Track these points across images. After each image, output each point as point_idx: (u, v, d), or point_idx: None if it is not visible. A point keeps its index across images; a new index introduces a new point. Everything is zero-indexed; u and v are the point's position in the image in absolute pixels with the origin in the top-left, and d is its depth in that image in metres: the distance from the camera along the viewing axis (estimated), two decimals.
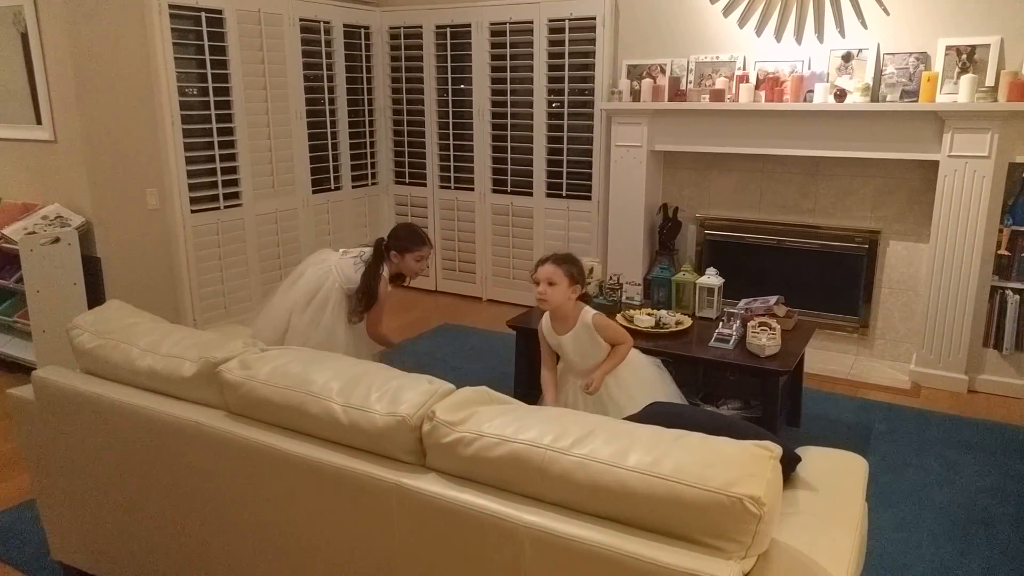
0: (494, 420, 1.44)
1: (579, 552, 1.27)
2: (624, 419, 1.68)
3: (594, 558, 1.26)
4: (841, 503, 1.53)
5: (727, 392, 3.02)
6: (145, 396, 1.84)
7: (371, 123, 5.53)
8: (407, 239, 3.07)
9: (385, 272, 3.06)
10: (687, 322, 3.19)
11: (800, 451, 1.74)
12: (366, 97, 5.45)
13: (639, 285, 3.59)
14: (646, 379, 2.67)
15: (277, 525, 1.65)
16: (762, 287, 4.29)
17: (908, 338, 4.11)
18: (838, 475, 1.64)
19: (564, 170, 4.93)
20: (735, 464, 1.23)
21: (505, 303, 5.36)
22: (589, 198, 4.86)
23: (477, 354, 4.34)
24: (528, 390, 3.36)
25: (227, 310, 4.53)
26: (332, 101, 5.14)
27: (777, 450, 1.28)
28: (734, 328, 3.07)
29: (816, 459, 1.71)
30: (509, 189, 5.19)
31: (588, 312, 2.59)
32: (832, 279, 4.29)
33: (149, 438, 1.80)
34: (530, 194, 5.09)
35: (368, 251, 3.09)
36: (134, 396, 1.84)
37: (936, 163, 3.73)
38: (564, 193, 4.96)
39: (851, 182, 4.14)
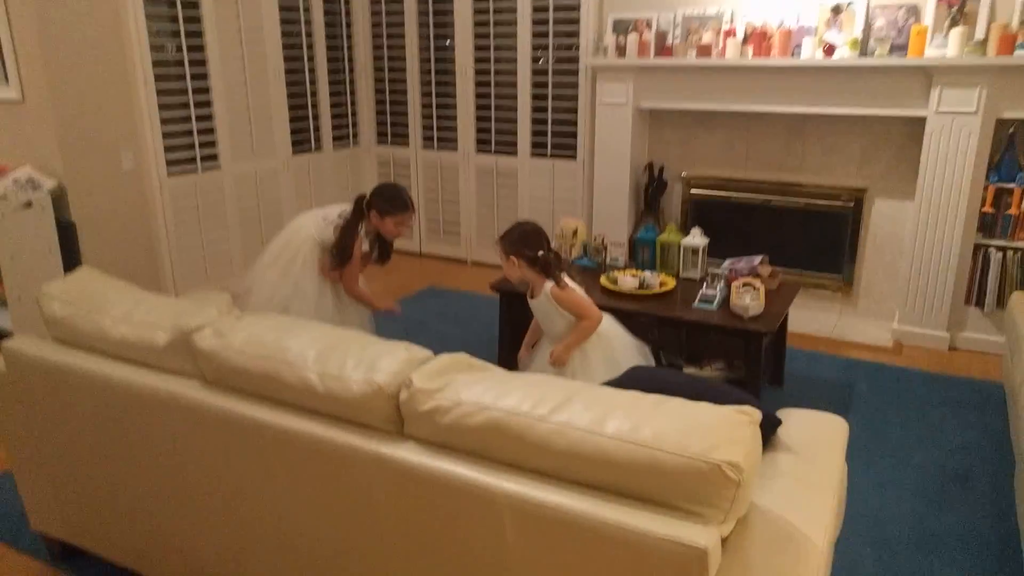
0: (472, 387, 1.42)
1: (558, 520, 1.26)
2: (604, 383, 1.66)
3: (573, 526, 1.25)
4: (820, 466, 1.53)
5: (710, 353, 3.02)
6: (118, 366, 1.81)
7: (352, 81, 5.40)
8: (390, 201, 3.00)
9: (362, 231, 3.01)
10: (671, 283, 3.17)
11: (781, 414, 1.74)
12: (346, 55, 5.32)
13: (623, 246, 3.56)
14: (617, 361, 2.54)
15: (255, 495, 1.64)
16: (747, 246, 4.28)
17: (891, 296, 4.12)
18: (818, 437, 1.64)
19: (549, 129, 4.85)
20: (714, 430, 1.22)
21: (490, 265, 5.32)
22: (574, 158, 4.80)
23: (462, 318, 4.32)
24: (513, 355, 3.35)
25: (207, 274, 4.47)
26: (311, 59, 5.01)
27: (756, 415, 1.27)
28: (718, 289, 3.05)
29: (797, 422, 1.71)
30: (493, 149, 5.11)
31: (548, 284, 2.56)
32: (817, 238, 4.28)
33: (123, 409, 1.77)
34: (515, 154, 5.02)
35: (347, 209, 3.03)
36: (106, 366, 1.81)
37: (923, 119, 3.69)
38: (549, 153, 4.89)
39: (838, 139, 4.10)
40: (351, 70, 5.38)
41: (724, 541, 1.23)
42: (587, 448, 1.27)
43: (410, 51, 5.23)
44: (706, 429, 1.22)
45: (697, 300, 3.01)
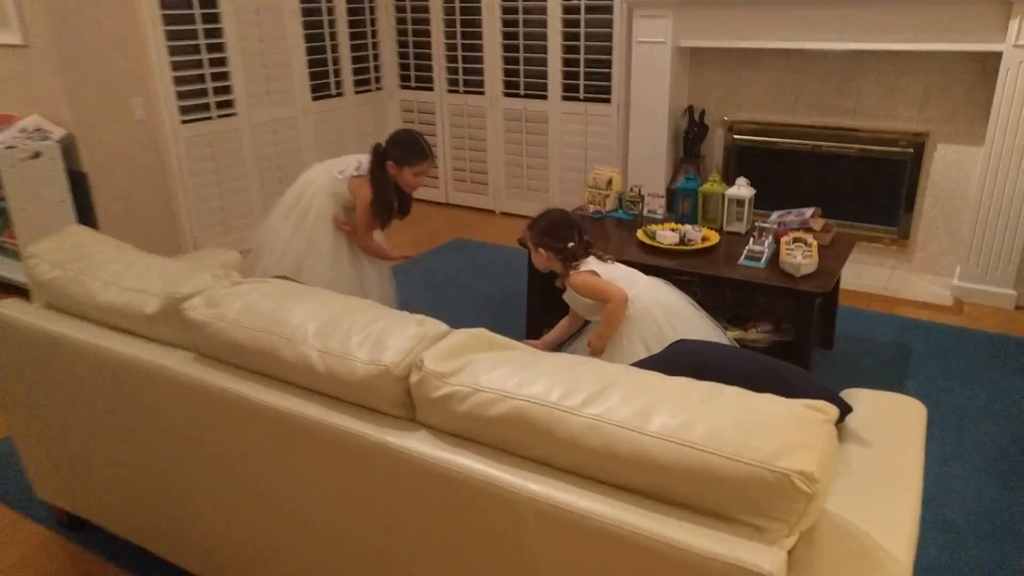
0: (492, 371, 1.23)
1: (589, 527, 1.08)
2: (641, 362, 1.46)
3: (606, 535, 1.06)
4: (899, 462, 1.31)
5: (756, 314, 2.78)
6: (107, 335, 1.65)
7: (373, 22, 5.12)
8: (407, 149, 2.77)
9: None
10: (714, 238, 2.92)
11: (848, 395, 1.52)
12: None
13: (662, 197, 3.30)
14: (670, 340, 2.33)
15: (250, 477, 1.48)
16: (794, 197, 3.99)
17: (951, 250, 3.82)
18: (894, 426, 1.42)
19: (581, 70, 4.54)
20: (781, 430, 1.01)
21: (520, 216, 5.09)
22: (608, 101, 4.50)
23: (490, 271, 4.13)
24: (542, 320, 3.16)
25: (226, 226, 4.32)
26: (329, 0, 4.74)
27: (832, 412, 1.05)
28: (766, 244, 2.80)
29: (868, 405, 1.49)
30: (522, 92, 4.82)
31: (571, 274, 2.34)
32: (871, 187, 3.96)
33: (113, 381, 1.62)
34: (545, 97, 4.73)
35: (363, 160, 2.81)
36: (95, 335, 1.65)
37: (998, 55, 3.32)
38: (582, 96, 4.60)
39: (898, 79, 3.74)
40: (372, 11, 5.09)
41: (788, 556, 1.04)
42: (626, 447, 1.07)
43: None
44: (771, 429, 1.01)
45: (743, 257, 2.76)
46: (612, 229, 3.26)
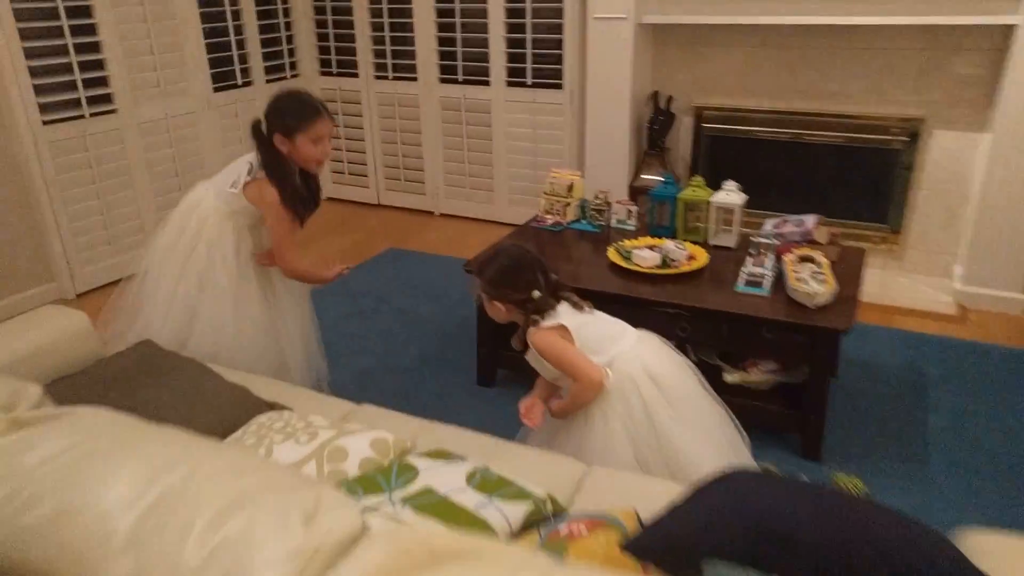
0: None
1: None
2: (675, 512, 0.93)
3: None
4: None
5: (755, 349, 2.29)
6: None
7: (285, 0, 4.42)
8: (291, 112, 2.04)
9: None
10: (702, 257, 2.41)
11: (966, 542, 1.02)
12: None
13: (633, 206, 2.77)
14: (657, 422, 1.69)
15: None
16: (772, 192, 3.53)
17: (948, 249, 3.41)
18: None
19: (528, 52, 3.96)
20: None
21: (462, 218, 4.51)
22: (560, 86, 3.93)
23: (433, 289, 3.54)
24: (495, 359, 2.61)
25: (112, 245, 3.61)
26: None
27: None
28: (767, 265, 2.30)
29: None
30: (461, 78, 4.22)
31: (532, 330, 1.76)
32: (858, 180, 3.52)
33: None
34: (487, 83, 4.13)
35: (254, 158, 2.13)
36: None
37: (1011, 28, 2.89)
38: (529, 81, 4.02)
39: (891, 57, 3.29)
40: None
41: None
42: None
43: None
44: None
45: (741, 282, 2.26)
46: (575, 245, 2.72)
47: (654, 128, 3.69)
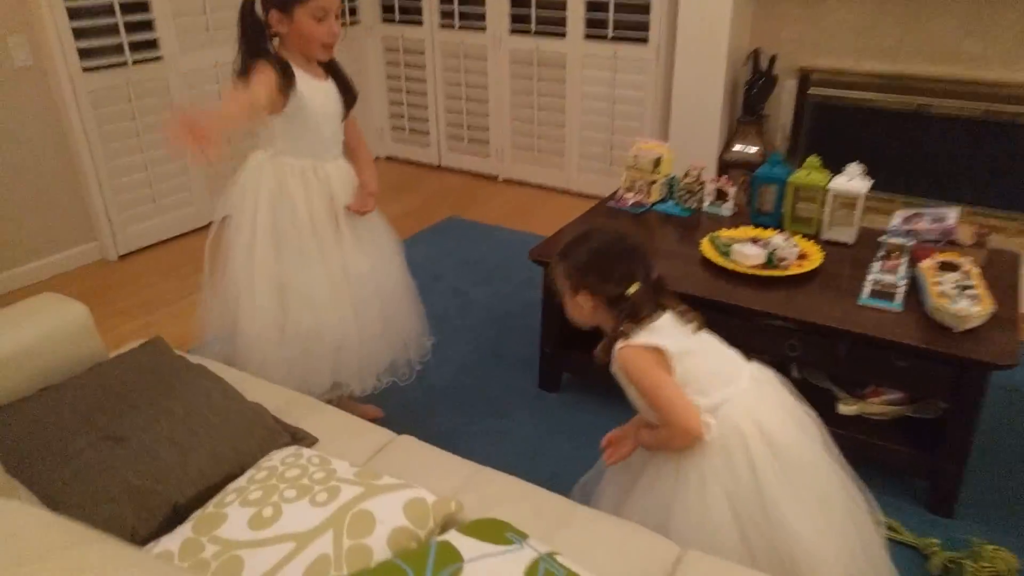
0: None
1: None
2: None
3: None
4: None
5: (879, 376, 1.88)
6: None
7: None
8: None
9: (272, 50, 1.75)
10: (816, 256, 2.01)
11: None
12: None
13: (731, 188, 2.36)
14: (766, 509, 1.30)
15: None
16: (889, 173, 3.04)
17: None
18: None
19: (611, 0, 3.52)
20: None
21: (528, 185, 4.14)
22: (646, 41, 3.48)
23: (494, 268, 3.21)
24: (558, 367, 2.28)
25: (156, 204, 3.39)
26: None
27: None
28: (901, 271, 1.88)
29: None
30: (534, 29, 3.80)
31: (620, 344, 1.37)
32: (996, 160, 3.00)
33: None
34: (563, 35, 3.71)
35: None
36: None
37: None
38: (610, 34, 3.58)
39: None
40: None
41: None
42: None
43: None
44: None
45: (866, 293, 1.85)
46: (660, 232, 2.34)
47: (752, 92, 3.22)
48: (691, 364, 1.33)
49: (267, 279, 1.83)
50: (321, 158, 1.83)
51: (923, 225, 2.06)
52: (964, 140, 3.01)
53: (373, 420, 2.19)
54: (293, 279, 1.83)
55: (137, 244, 3.37)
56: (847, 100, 3.18)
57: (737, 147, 3.29)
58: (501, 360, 2.54)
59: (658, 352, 1.34)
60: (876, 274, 1.88)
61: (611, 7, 3.51)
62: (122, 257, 3.33)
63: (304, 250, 1.82)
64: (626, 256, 1.41)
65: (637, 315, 1.36)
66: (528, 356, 2.48)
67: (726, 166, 3.27)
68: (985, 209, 3.01)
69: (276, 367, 1.84)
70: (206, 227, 3.61)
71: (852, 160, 2.16)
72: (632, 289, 1.37)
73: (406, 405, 2.26)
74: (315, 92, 1.77)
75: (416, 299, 2.09)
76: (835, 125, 3.23)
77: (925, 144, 3.08)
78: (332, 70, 1.86)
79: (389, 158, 4.60)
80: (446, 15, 4.07)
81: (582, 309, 1.44)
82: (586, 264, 1.41)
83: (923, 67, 3.01)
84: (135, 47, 3.17)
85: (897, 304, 1.80)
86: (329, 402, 1.96)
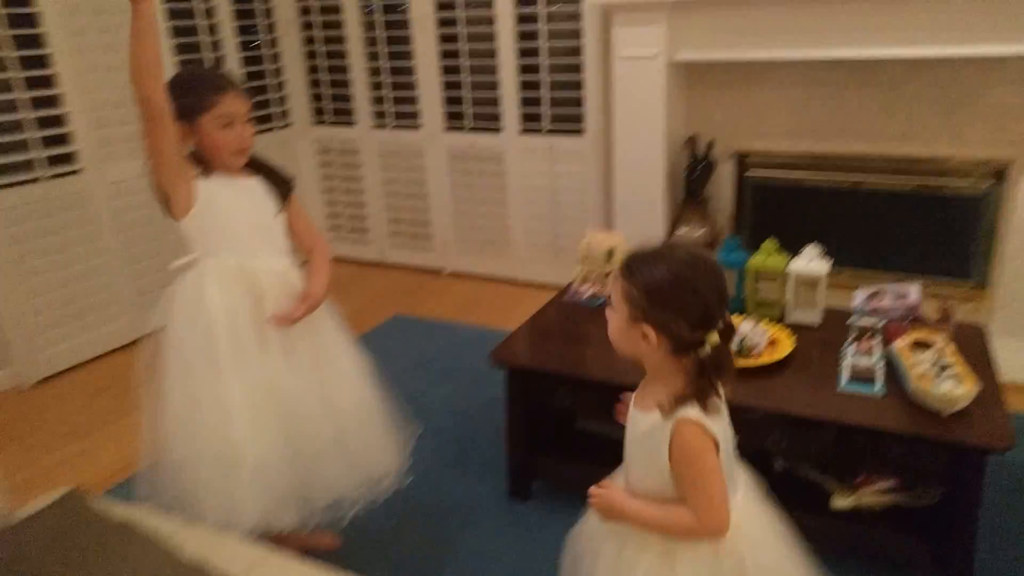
0: None
1: None
2: None
3: None
4: None
5: (867, 463, 1.80)
6: None
7: (274, 43, 4.03)
8: (187, 90, 1.58)
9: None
10: (785, 341, 1.95)
11: None
12: (262, 6, 3.93)
13: None
14: None
15: None
16: (831, 247, 3.06)
17: None
18: None
19: (545, 95, 3.55)
20: None
21: (473, 277, 4.06)
22: (581, 133, 3.52)
23: (448, 367, 3.06)
24: (528, 473, 2.13)
25: (80, 321, 3.14)
26: (210, 13, 3.63)
27: None
28: (876, 354, 1.84)
29: None
30: (470, 125, 3.80)
31: (687, 414, 1.15)
32: (932, 229, 3.07)
33: None
34: (498, 130, 3.72)
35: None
36: None
37: None
38: (545, 128, 3.60)
39: (968, 91, 2.87)
40: (271, 28, 4.00)
41: None
42: None
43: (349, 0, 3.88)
44: None
45: (846, 378, 1.79)
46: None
47: (692, 177, 3.25)
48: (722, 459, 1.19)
49: (180, 395, 1.64)
50: (248, 257, 1.66)
51: (887, 303, 2.04)
52: (899, 212, 3.08)
53: (328, 550, 1.99)
54: (204, 394, 1.64)
55: (57, 367, 3.09)
56: (785, 180, 3.24)
57: (683, 231, 3.29)
58: (466, 468, 2.37)
59: (712, 443, 1.16)
60: (852, 358, 1.83)
61: (545, 102, 3.54)
62: (39, 383, 3.04)
63: (217, 360, 1.61)
64: (713, 292, 1.15)
65: (719, 375, 1.17)
66: (494, 460, 2.32)
67: None
68: (927, 278, 3.05)
69: (194, 498, 1.62)
70: (136, 342, 3.40)
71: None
72: (713, 340, 1.14)
73: (364, 529, 2.04)
74: (225, 188, 1.63)
75: (384, 423, 1.86)
76: (775, 205, 3.28)
77: (863, 219, 3.14)
78: (255, 165, 1.73)
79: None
80: (379, 115, 4.05)
81: (638, 343, 1.17)
82: (662, 293, 1.14)
83: (853, 146, 3.10)
84: (53, 161, 3.00)
85: (879, 389, 1.74)
86: (278, 537, 1.75)
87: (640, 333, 1.17)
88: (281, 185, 1.74)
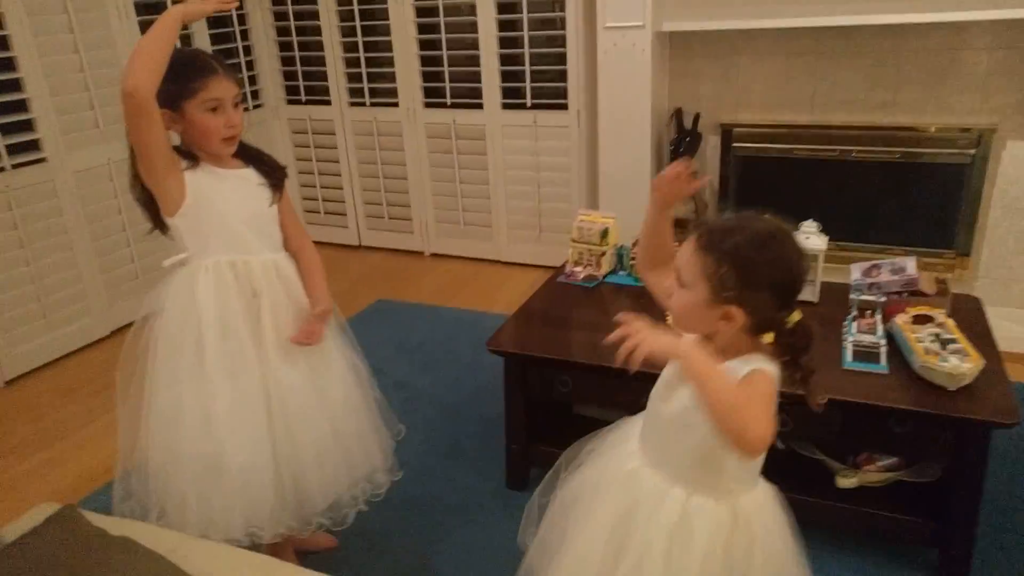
0: None
1: None
2: None
3: None
4: None
5: (875, 444, 1.79)
6: None
7: (242, 20, 3.87)
8: (174, 76, 1.44)
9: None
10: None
11: None
12: None
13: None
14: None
15: None
16: (814, 217, 3.06)
17: None
18: None
19: (527, 69, 3.46)
20: None
21: (456, 257, 3.99)
22: (565, 107, 3.44)
23: (431, 351, 3.01)
24: (526, 462, 2.10)
25: (47, 319, 3.02)
26: None
27: None
28: (879, 330, 1.82)
29: None
30: (449, 102, 3.70)
31: (754, 359, 1.11)
32: (917, 199, 3.06)
33: None
34: (480, 106, 3.63)
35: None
36: None
37: None
38: (529, 103, 3.52)
39: (952, 59, 2.85)
40: (241, 5, 3.85)
41: None
42: None
43: None
44: None
45: (849, 355, 1.77)
46: (616, 305, 2.22)
47: (679, 151, 3.21)
48: None
49: (165, 399, 1.57)
50: (242, 253, 1.58)
51: (885, 277, 2.02)
52: (884, 183, 3.07)
53: (326, 550, 1.95)
54: (190, 399, 1.56)
55: (26, 366, 2.97)
56: (770, 151, 3.21)
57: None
58: (460, 458, 2.33)
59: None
60: (855, 335, 1.81)
61: (527, 76, 3.46)
62: (8, 383, 2.93)
63: (205, 361, 1.53)
64: (800, 265, 1.10)
65: (802, 352, 1.13)
66: (488, 449, 2.29)
67: None
68: (913, 249, 3.05)
69: (175, 504, 1.56)
70: (107, 339, 3.28)
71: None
72: (795, 317, 1.11)
73: (361, 530, 1.99)
74: (217, 180, 1.55)
75: (376, 419, 1.80)
76: (761, 177, 3.25)
77: (848, 190, 3.13)
78: (244, 153, 1.64)
79: None
80: (355, 92, 3.93)
81: (715, 322, 1.10)
82: (755, 269, 1.07)
83: (838, 116, 3.08)
84: (13, 150, 2.86)
85: (883, 366, 1.72)
86: (272, 546, 1.69)
87: (721, 312, 1.09)
88: (274, 174, 1.66)
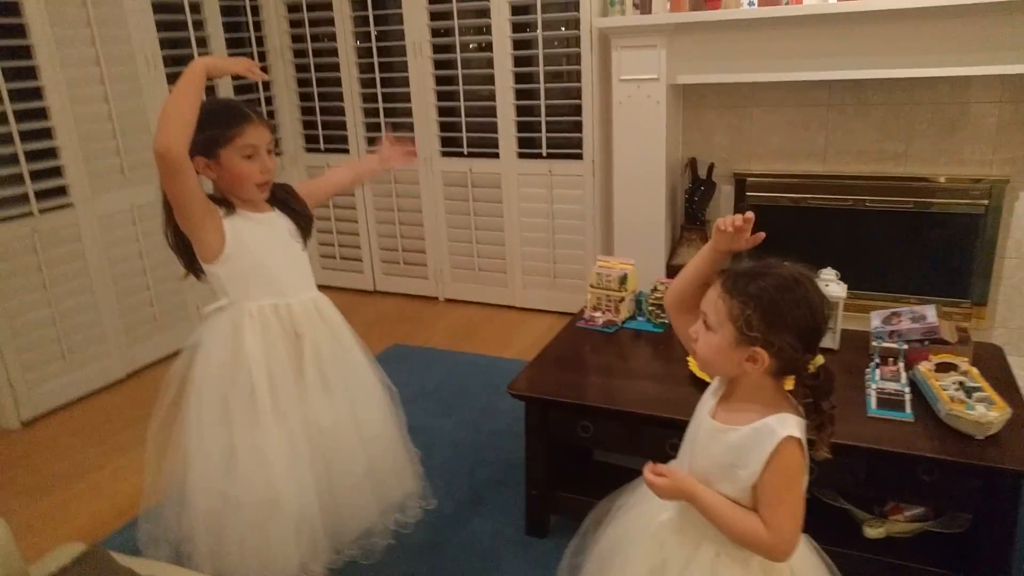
0: None
1: None
2: None
3: None
4: None
5: (900, 492, 1.78)
6: None
7: (264, 70, 3.98)
8: (210, 124, 1.49)
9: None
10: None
11: None
12: (252, 34, 3.90)
13: None
14: None
15: None
16: (829, 264, 3.08)
17: None
18: None
19: (542, 120, 3.54)
20: None
21: (471, 303, 4.01)
22: (580, 157, 3.50)
23: (447, 395, 3.01)
24: (546, 509, 2.08)
25: (66, 360, 3.04)
26: (202, 42, 3.59)
27: None
28: (903, 377, 1.82)
29: None
30: (466, 151, 3.78)
31: (789, 421, 1.13)
32: (932, 250, 3.09)
33: None
34: (496, 155, 3.70)
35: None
36: None
37: None
38: (544, 152, 3.59)
39: (962, 111, 2.91)
40: (262, 55, 3.97)
41: None
42: None
43: (341, 26, 3.84)
44: None
45: (873, 402, 1.76)
46: (635, 351, 2.23)
47: (693, 200, 3.25)
48: None
49: (214, 442, 1.58)
50: (282, 295, 1.62)
51: (905, 325, 2.03)
52: (899, 233, 3.10)
53: None
54: (243, 442, 1.58)
55: (46, 407, 2.99)
56: (784, 200, 3.25)
57: (683, 254, 3.28)
58: (479, 505, 2.31)
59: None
60: (879, 382, 1.81)
61: (543, 126, 3.53)
62: (27, 424, 2.94)
63: (256, 404, 1.55)
64: (822, 310, 1.14)
65: (824, 396, 1.16)
66: (507, 496, 2.27)
67: (674, 273, 3.24)
68: (929, 298, 3.06)
69: (228, 551, 1.56)
70: (125, 380, 3.29)
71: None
72: (819, 360, 1.14)
73: (379, 574, 1.97)
74: (255, 226, 1.59)
75: (407, 452, 1.81)
76: (775, 226, 3.24)
77: (863, 239, 3.15)
78: (272, 197, 1.67)
79: (320, 287, 4.38)
80: (373, 141, 4.00)
81: (740, 364, 1.13)
82: (779, 313, 1.10)
83: (851, 166, 3.13)
84: (42, 195, 2.92)
85: (908, 414, 1.72)
86: None
87: (746, 354, 1.13)
88: (302, 216, 1.70)
